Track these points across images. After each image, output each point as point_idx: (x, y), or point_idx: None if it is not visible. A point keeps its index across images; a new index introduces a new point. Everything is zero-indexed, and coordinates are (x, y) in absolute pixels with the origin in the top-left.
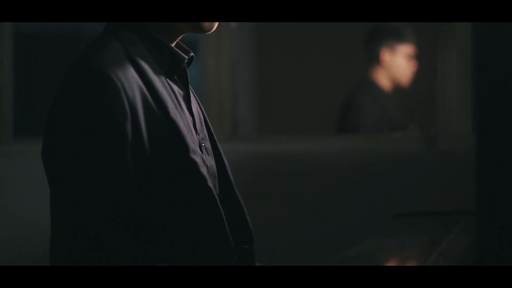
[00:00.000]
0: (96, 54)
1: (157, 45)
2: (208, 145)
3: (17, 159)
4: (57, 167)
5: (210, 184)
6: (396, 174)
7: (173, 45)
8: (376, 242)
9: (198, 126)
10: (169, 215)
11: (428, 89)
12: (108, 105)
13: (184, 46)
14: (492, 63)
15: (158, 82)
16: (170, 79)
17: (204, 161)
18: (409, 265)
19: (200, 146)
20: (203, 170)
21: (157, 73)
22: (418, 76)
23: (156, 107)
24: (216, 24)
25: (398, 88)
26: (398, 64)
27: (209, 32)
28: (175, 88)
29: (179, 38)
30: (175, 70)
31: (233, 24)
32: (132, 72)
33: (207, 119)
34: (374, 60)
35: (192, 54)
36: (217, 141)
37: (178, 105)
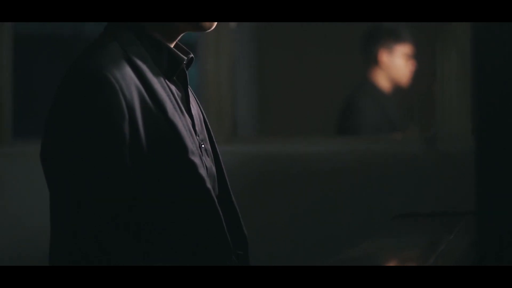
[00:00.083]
0: (95, 55)
1: (156, 45)
2: (208, 146)
3: (17, 160)
4: (56, 167)
5: (208, 185)
6: (395, 175)
7: (172, 45)
8: (376, 243)
9: (197, 128)
10: (168, 215)
11: (428, 89)
12: (106, 106)
13: (184, 47)
14: (492, 63)
15: (157, 83)
16: (169, 80)
17: (203, 162)
18: (409, 265)
19: (199, 148)
20: (202, 171)
21: (155, 74)
22: (418, 77)
23: (155, 108)
24: (216, 22)
25: (397, 89)
26: (396, 64)
27: (209, 30)
28: (174, 89)
29: (179, 37)
30: (174, 71)
31: (232, 25)
32: (130, 73)
33: (207, 121)
34: (372, 61)
35: (191, 55)
36: (216, 144)
37: (177, 106)
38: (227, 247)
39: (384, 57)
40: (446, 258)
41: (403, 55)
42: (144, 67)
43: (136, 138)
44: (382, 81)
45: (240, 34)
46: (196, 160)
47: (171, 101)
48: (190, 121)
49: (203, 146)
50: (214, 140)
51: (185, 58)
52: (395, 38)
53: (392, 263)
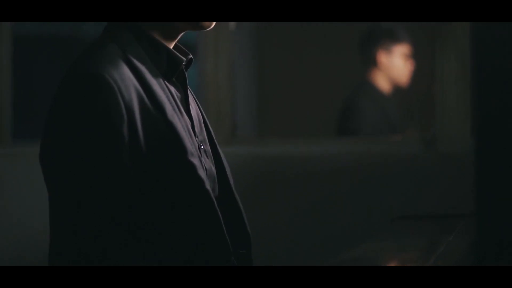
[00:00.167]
0: (94, 56)
1: (155, 46)
2: (208, 148)
3: (17, 160)
4: (55, 168)
5: (207, 186)
6: (395, 176)
7: (172, 45)
8: (376, 244)
9: (197, 129)
10: (167, 216)
11: (427, 90)
12: (105, 107)
13: (183, 48)
14: (492, 63)
15: (156, 84)
16: (168, 81)
17: (203, 164)
18: (409, 265)
19: (199, 149)
20: (201, 172)
21: (154, 75)
22: (417, 77)
23: (154, 109)
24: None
25: (397, 90)
26: (395, 64)
27: (208, 29)
28: (173, 90)
29: (179, 37)
30: (173, 72)
31: (231, 26)
32: (129, 74)
33: (207, 122)
34: (371, 62)
35: (190, 56)
36: (217, 144)
37: (176, 107)
38: (226, 249)
39: (383, 57)
40: (446, 259)
41: (402, 55)
42: (143, 68)
43: (135, 139)
44: (382, 81)
45: (239, 35)
46: (195, 161)
47: (170, 102)
48: (189, 122)
49: (202, 147)
50: (215, 140)
51: (184, 59)
52: (393, 38)
53: (392, 263)
